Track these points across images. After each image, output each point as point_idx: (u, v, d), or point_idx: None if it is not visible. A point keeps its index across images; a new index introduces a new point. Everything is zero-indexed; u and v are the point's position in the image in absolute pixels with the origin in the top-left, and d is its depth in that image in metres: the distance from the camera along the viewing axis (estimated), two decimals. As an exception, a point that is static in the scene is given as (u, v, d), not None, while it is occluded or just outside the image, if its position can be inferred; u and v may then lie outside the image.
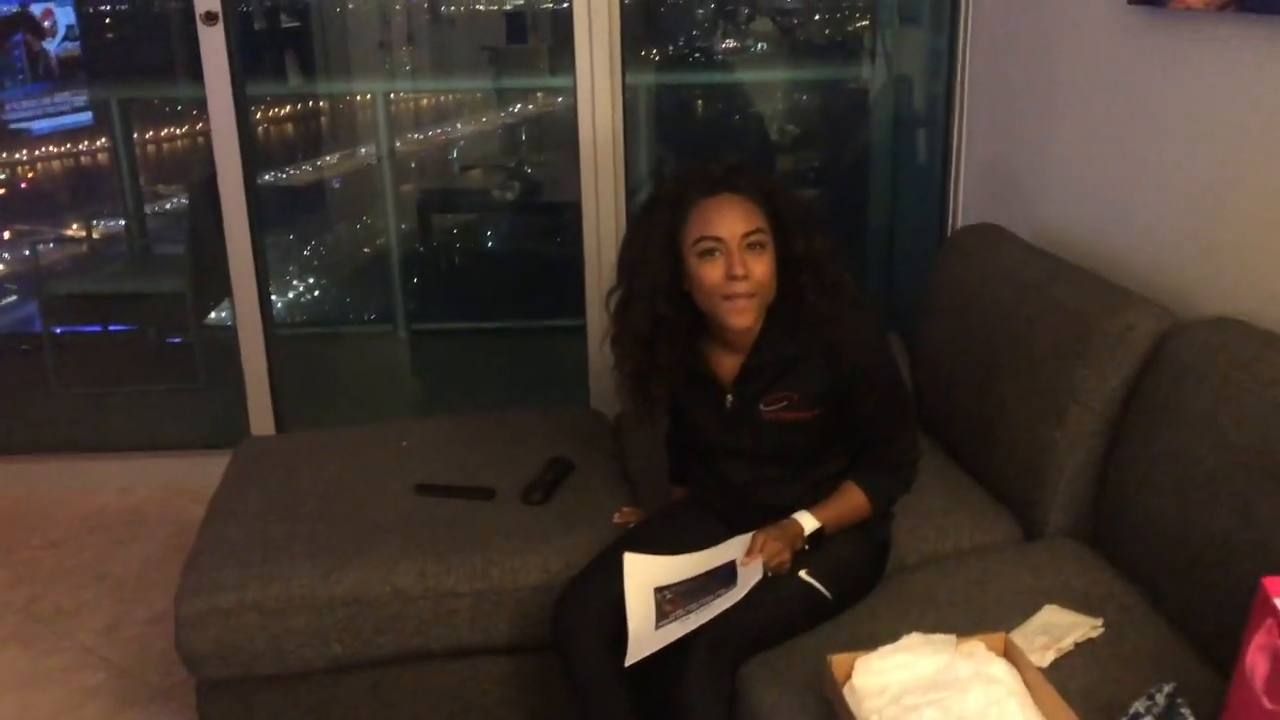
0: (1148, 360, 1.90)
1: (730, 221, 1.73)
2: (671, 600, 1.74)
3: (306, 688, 1.97)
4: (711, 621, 1.69)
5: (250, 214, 3.17)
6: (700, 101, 4.74)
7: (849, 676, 1.52)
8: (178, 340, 4.42)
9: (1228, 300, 1.91)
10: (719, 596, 1.69)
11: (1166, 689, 1.40)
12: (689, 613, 1.69)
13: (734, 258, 1.72)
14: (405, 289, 4.63)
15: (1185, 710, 1.36)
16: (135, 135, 4.75)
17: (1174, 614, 1.72)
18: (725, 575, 1.74)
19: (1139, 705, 1.39)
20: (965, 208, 3.03)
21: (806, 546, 1.80)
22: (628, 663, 1.67)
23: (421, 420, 2.56)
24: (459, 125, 5.44)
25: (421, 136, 5.27)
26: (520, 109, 5.23)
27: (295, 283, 5.14)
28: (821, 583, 1.79)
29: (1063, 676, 1.57)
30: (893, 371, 1.88)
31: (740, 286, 1.72)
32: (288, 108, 5.30)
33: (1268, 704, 1.22)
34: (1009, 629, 1.67)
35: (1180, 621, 1.70)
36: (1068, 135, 2.46)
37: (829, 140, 4.35)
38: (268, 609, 1.88)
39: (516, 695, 2.02)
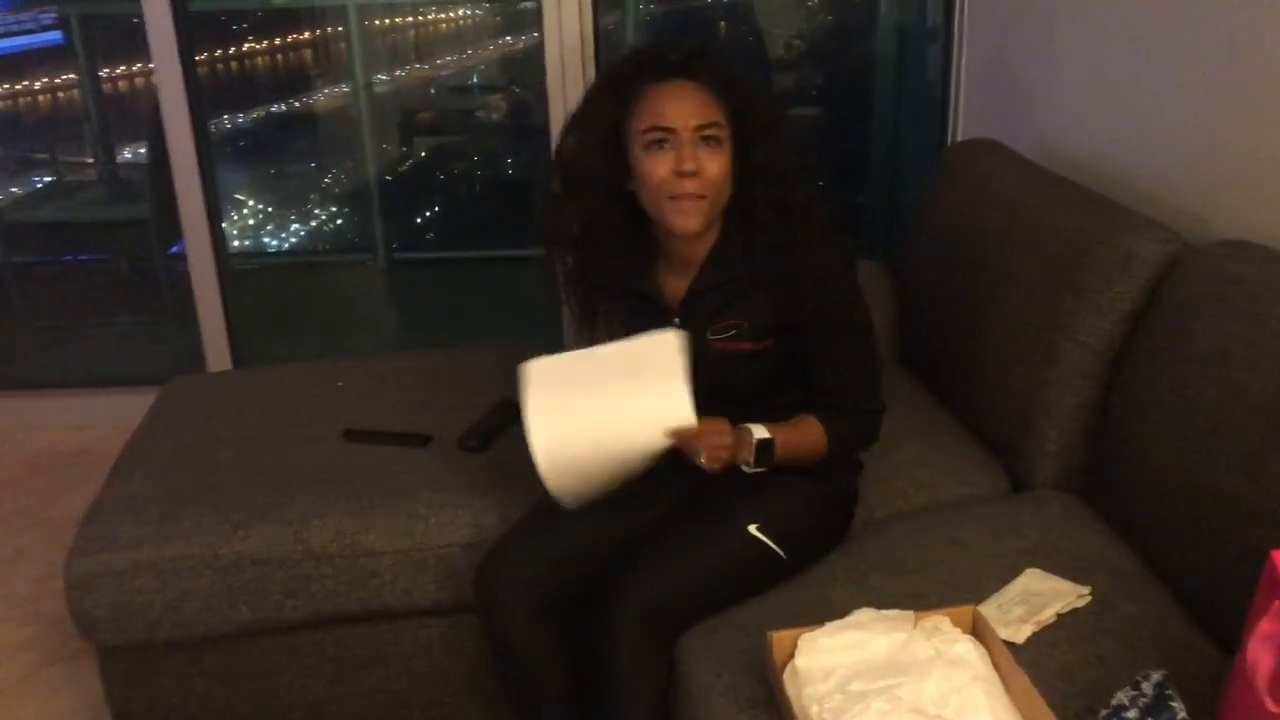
0: (1152, 291, 1.67)
1: (683, 111, 1.51)
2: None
3: (215, 654, 1.80)
4: (644, 582, 1.50)
5: (199, 145, 3.02)
6: (699, 16, 4.45)
7: (792, 656, 1.32)
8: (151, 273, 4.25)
9: (1247, 223, 1.67)
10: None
11: (1155, 676, 1.19)
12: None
13: (684, 150, 1.51)
14: (386, 217, 4.42)
15: (1176, 703, 1.16)
16: (104, 70, 4.53)
17: (1173, 581, 1.51)
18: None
19: (1123, 695, 1.20)
20: (965, 122, 2.78)
21: (751, 461, 1.55)
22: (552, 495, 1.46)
23: (365, 358, 2.36)
24: (449, 59, 5.19)
25: (405, 72, 5.03)
26: (506, 41, 4.96)
27: (278, 214, 4.93)
28: (774, 539, 1.59)
29: (1040, 654, 1.37)
30: (856, 311, 1.64)
31: (689, 184, 1.51)
32: (275, 39, 5.06)
33: (1272, 707, 1.02)
34: (984, 598, 1.48)
35: (1180, 590, 1.49)
36: (1072, 38, 2.20)
37: (835, 54, 4.09)
38: (165, 569, 1.71)
39: (447, 660, 1.85)
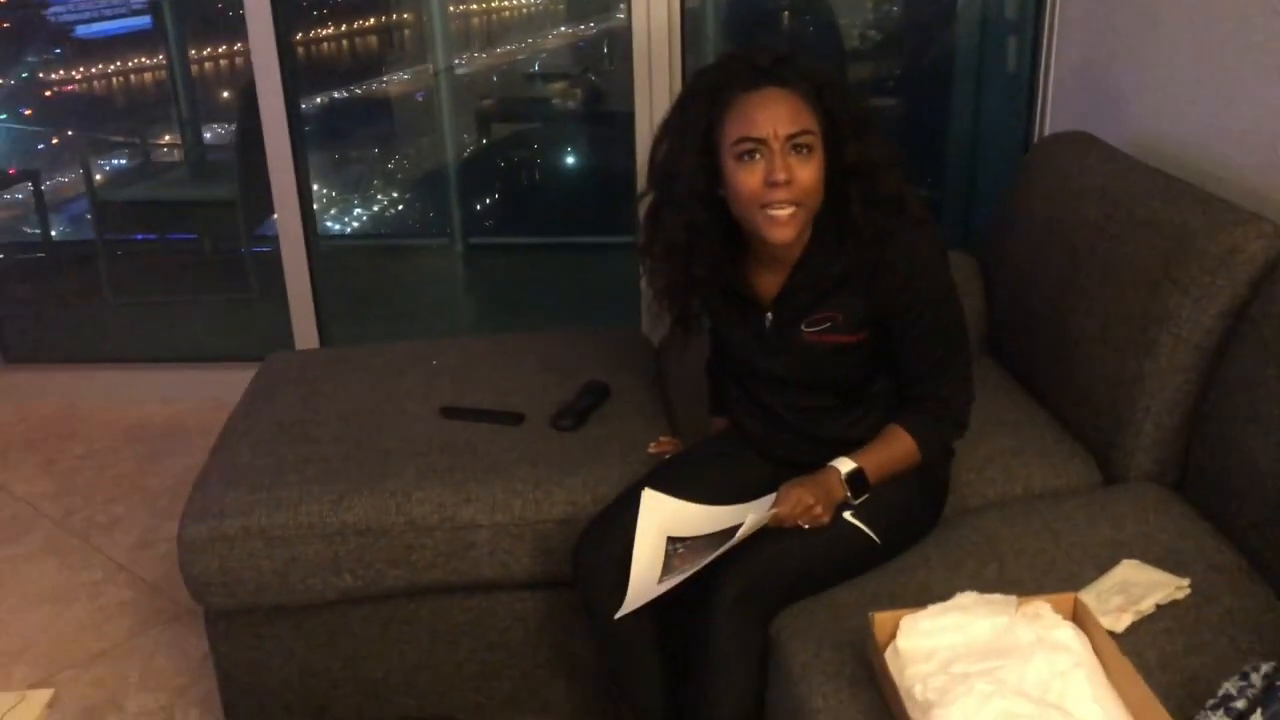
0: (1256, 286, 1.66)
1: (774, 120, 1.51)
2: (681, 555, 1.58)
3: (316, 620, 1.86)
4: (743, 566, 1.53)
5: (291, 125, 3.08)
6: (773, 4, 4.45)
7: (893, 637, 1.34)
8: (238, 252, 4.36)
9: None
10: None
11: (1265, 668, 1.20)
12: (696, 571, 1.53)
13: (776, 161, 1.50)
14: (462, 203, 4.48)
15: (1285, 694, 1.16)
16: (192, 50, 4.63)
17: (1273, 576, 1.51)
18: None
19: (1230, 685, 1.20)
20: (1054, 115, 2.76)
21: (849, 495, 1.61)
22: (619, 614, 1.52)
23: (456, 339, 2.41)
24: (524, 43, 5.23)
25: (485, 55, 5.08)
26: (586, 26, 4.99)
27: (356, 196, 5.02)
28: (868, 524, 1.61)
29: (1140, 643, 1.38)
30: (949, 300, 1.65)
31: (780, 194, 1.51)
32: (357, 22, 5.14)
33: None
34: (1080, 587, 1.49)
35: (1280, 585, 1.49)
36: (1170, 32, 2.17)
37: (912, 45, 4.06)
38: (274, 536, 1.77)
39: (539, 632, 1.89)
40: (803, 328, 1.64)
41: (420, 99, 4.91)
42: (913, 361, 1.65)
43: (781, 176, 1.50)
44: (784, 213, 1.52)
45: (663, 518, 1.64)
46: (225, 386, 3.26)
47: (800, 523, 1.57)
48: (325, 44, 5.07)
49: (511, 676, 1.92)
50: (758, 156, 1.51)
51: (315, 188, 4.53)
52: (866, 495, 1.62)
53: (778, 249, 1.60)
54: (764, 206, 1.52)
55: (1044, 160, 2.31)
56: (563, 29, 5.21)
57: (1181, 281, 1.73)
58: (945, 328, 1.65)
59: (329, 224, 4.76)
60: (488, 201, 4.70)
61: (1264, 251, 1.67)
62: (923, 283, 1.60)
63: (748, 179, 1.52)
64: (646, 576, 1.55)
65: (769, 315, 1.67)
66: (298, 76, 3.34)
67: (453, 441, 1.94)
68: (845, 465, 1.62)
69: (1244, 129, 1.96)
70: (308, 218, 3.18)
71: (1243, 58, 1.95)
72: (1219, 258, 1.69)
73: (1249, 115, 1.94)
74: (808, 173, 1.52)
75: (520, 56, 5.25)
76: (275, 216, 3.17)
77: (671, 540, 1.61)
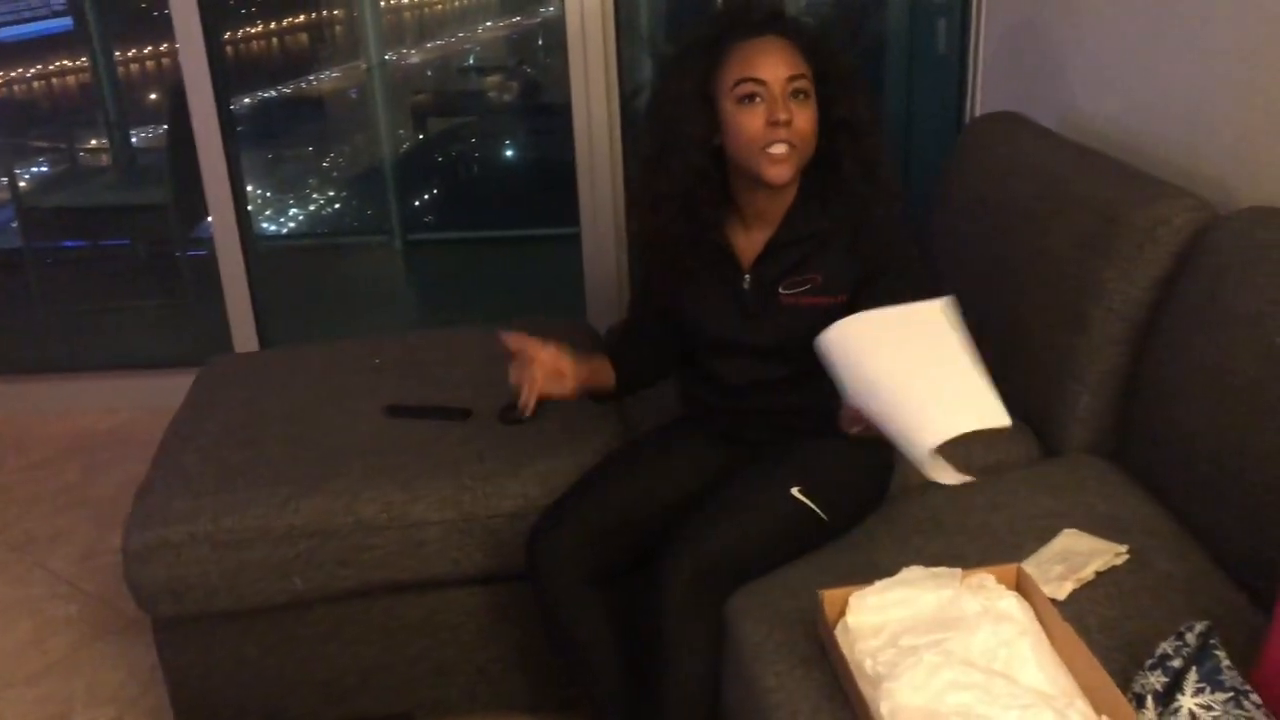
0: (1182, 258, 1.70)
1: (774, 64, 1.56)
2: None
3: (268, 624, 1.84)
4: (693, 551, 1.55)
5: (223, 126, 3.04)
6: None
7: (843, 614, 1.37)
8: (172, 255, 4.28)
9: (1270, 190, 1.71)
10: None
11: (1199, 627, 1.24)
12: None
13: (777, 103, 1.55)
14: (400, 199, 4.45)
15: (1219, 652, 1.20)
16: (117, 52, 4.54)
17: (1209, 541, 1.55)
18: None
19: (1167, 645, 1.24)
20: (985, 96, 2.80)
21: None
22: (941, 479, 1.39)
23: (399, 336, 2.39)
24: (456, 36, 5.19)
25: (416, 51, 5.04)
26: (521, 19, 4.97)
27: (293, 196, 4.96)
28: (815, 502, 1.63)
29: (1081, 610, 1.42)
30: (920, 268, 1.70)
31: (782, 134, 1.55)
32: (288, 20, 5.07)
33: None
34: (1023, 558, 1.52)
35: (1214, 548, 1.54)
36: (1093, 9, 2.22)
37: (847, 27, 4.08)
38: (221, 541, 1.75)
39: (494, 627, 1.89)
40: (780, 290, 1.66)
41: (355, 95, 4.86)
42: None
43: (783, 116, 1.54)
44: (782, 150, 1.56)
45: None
46: (166, 393, 3.20)
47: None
48: (256, 42, 5.00)
49: (468, 671, 1.92)
50: (759, 100, 1.56)
51: (251, 188, 4.48)
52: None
53: (765, 202, 1.64)
54: (764, 148, 1.56)
55: (974, 142, 2.35)
56: (495, 22, 5.18)
57: (1110, 256, 1.77)
58: (917, 294, 1.68)
59: (266, 225, 4.70)
60: (426, 197, 4.67)
61: (1189, 224, 1.71)
62: (899, 247, 1.66)
63: (750, 121, 1.56)
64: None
65: (747, 277, 1.68)
66: (228, 76, 3.30)
67: (399, 439, 1.93)
68: None
69: (1168, 104, 2.00)
70: (243, 219, 3.15)
71: (1164, 33, 1.99)
72: (1145, 231, 1.73)
73: (1172, 90, 1.99)
74: (805, 118, 1.57)
75: (454, 50, 5.21)
76: (210, 219, 3.12)
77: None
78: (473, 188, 4.76)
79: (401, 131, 4.67)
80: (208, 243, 3.22)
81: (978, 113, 2.80)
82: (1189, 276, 1.67)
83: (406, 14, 5.12)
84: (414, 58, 5.05)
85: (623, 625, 1.66)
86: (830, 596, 1.38)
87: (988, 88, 2.78)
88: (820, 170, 1.63)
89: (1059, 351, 1.85)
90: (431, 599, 1.87)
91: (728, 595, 1.57)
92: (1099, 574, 1.48)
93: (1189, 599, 1.43)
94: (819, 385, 1.70)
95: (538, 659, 1.91)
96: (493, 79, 4.97)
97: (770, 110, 1.55)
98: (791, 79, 1.56)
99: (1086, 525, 1.59)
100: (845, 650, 1.32)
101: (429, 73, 5.18)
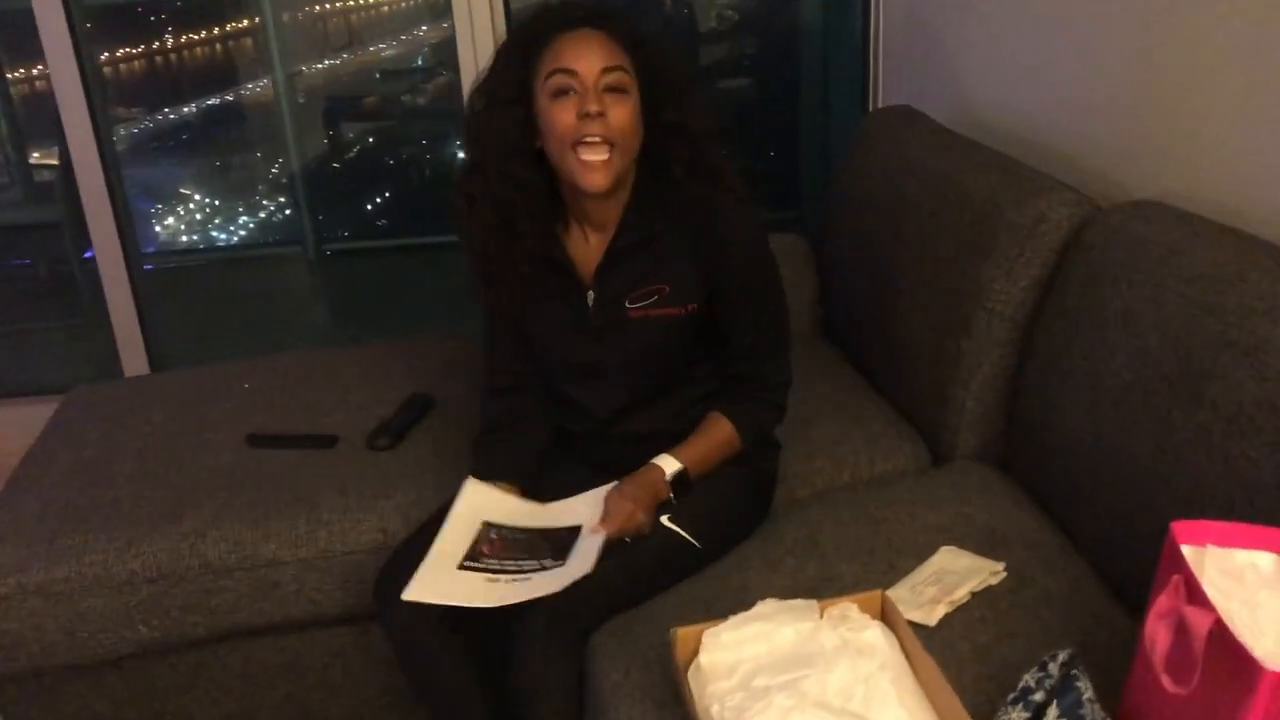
0: (1062, 256, 1.63)
1: (588, 55, 1.46)
2: (492, 543, 1.49)
3: (118, 675, 1.73)
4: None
5: (100, 145, 2.90)
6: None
7: (697, 652, 1.28)
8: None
9: (1160, 184, 1.64)
10: (541, 571, 1.44)
11: (1061, 656, 1.16)
12: (501, 573, 1.44)
13: (589, 95, 1.45)
14: (313, 209, 4.32)
15: (1082, 683, 1.12)
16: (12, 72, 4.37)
17: (1089, 551, 1.48)
18: (560, 545, 1.49)
19: (1029, 677, 1.16)
20: (885, 90, 2.73)
21: (672, 496, 1.55)
22: (405, 596, 1.42)
23: (274, 356, 2.27)
24: (366, 48, 5.07)
25: (325, 65, 4.91)
26: (421, 31, 4.85)
27: (202, 209, 4.81)
28: (688, 529, 1.55)
29: (954, 635, 1.34)
30: (773, 279, 1.61)
31: (594, 128, 1.44)
32: (197, 32, 4.91)
33: (1169, 685, 0.98)
34: (899, 578, 1.45)
35: (1096, 560, 1.46)
36: (987, 3, 2.15)
37: (766, 24, 4.02)
38: (54, 592, 1.63)
39: (362, 669, 1.79)
40: (627, 304, 1.57)
41: (263, 107, 4.72)
42: (732, 338, 1.60)
43: (594, 108, 1.44)
44: (598, 157, 1.46)
45: (482, 502, 1.55)
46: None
47: (625, 536, 1.49)
48: (166, 55, 4.85)
49: (338, 716, 1.82)
50: (571, 93, 1.46)
51: (178, 202, 4.34)
52: (688, 493, 1.56)
53: (596, 206, 1.54)
54: (576, 146, 1.46)
55: (869, 137, 2.28)
56: (412, 32, 5.06)
57: (992, 254, 1.70)
58: (770, 304, 1.61)
59: (184, 239, 4.55)
60: (339, 207, 4.54)
61: (1069, 220, 1.64)
62: (750, 254, 1.57)
63: (561, 114, 1.46)
64: (444, 563, 1.45)
65: (590, 293, 1.59)
66: (104, 94, 3.17)
67: (257, 472, 1.82)
68: (670, 465, 1.56)
69: (1052, 98, 1.94)
70: (126, 239, 3.01)
71: (1055, 27, 1.92)
72: (1026, 228, 1.66)
73: (1056, 84, 1.92)
74: (621, 112, 1.47)
75: (369, 62, 5.09)
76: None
77: (487, 525, 1.51)
78: (383, 196, 4.63)
79: (311, 141, 4.53)
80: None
81: (879, 105, 2.73)
82: (1068, 274, 1.60)
83: (316, 24, 4.97)
84: (331, 67, 4.91)
85: (485, 668, 1.56)
86: (683, 635, 1.28)
87: (889, 81, 2.71)
88: (653, 175, 1.54)
89: (945, 355, 1.77)
90: (294, 641, 1.77)
91: (590, 633, 1.48)
92: (974, 594, 1.40)
93: (1066, 618, 1.35)
94: (685, 402, 1.63)
95: (412, 701, 1.81)
96: (403, 86, 4.85)
97: (581, 101, 1.45)
98: (606, 70, 1.46)
99: (966, 540, 1.51)
100: (696, 693, 1.23)
101: (343, 80, 5.05)
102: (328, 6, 4.90)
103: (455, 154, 4.42)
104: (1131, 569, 1.38)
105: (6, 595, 1.62)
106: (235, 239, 4.77)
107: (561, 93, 1.46)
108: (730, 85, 4.02)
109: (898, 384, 1.94)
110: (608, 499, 1.53)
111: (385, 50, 5.03)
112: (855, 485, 1.77)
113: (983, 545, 1.50)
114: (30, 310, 3.95)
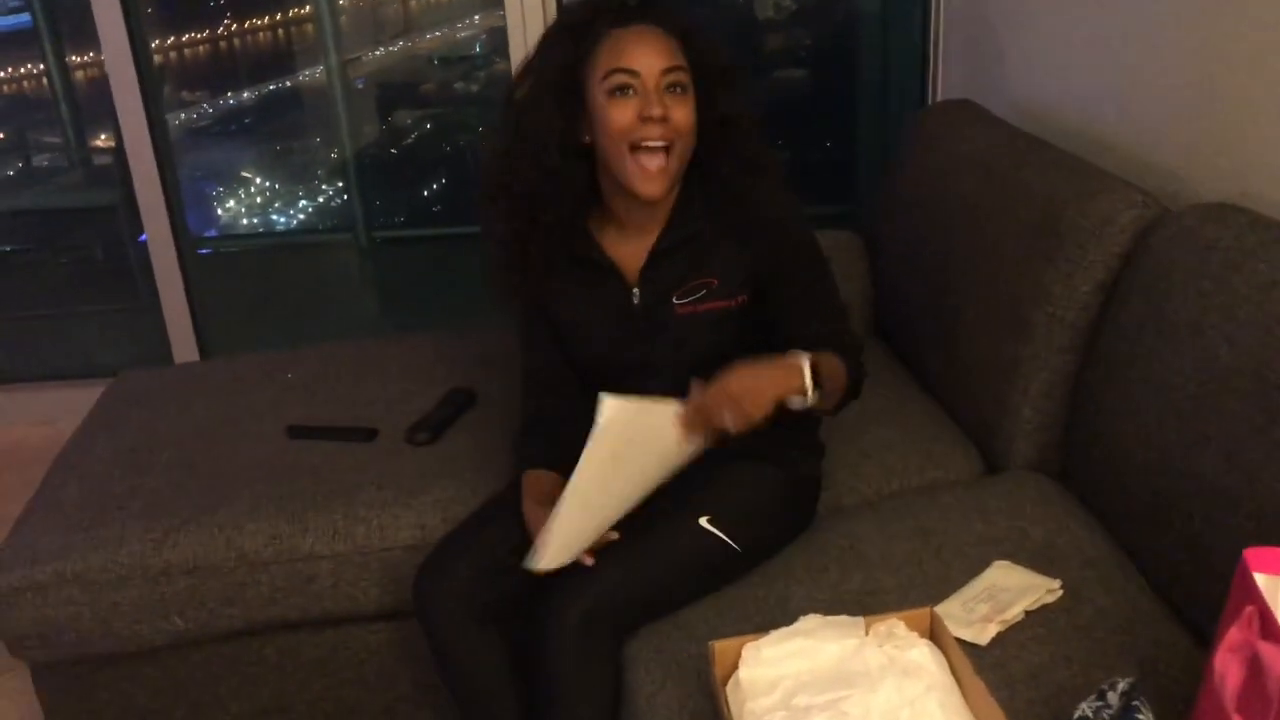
0: (1128, 259, 1.56)
1: (648, 55, 1.42)
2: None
3: (153, 666, 1.72)
4: (587, 583, 1.40)
5: (153, 131, 2.95)
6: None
7: (737, 666, 1.23)
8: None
9: (1229, 185, 1.56)
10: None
11: (1122, 685, 1.10)
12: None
13: (651, 96, 1.41)
14: (365, 196, 4.32)
15: (1144, 715, 1.06)
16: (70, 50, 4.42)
17: (1149, 570, 1.42)
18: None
19: (1086, 707, 1.10)
20: (946, 83, 2.66)
21: (808, 387, 1.35)
22: (540, 565, 1.33)
23: (318, 346, 2.25)
24: (423, 35, 5.05)
25: (382, 51, 4.90)
26: (474, 20, 4.82)
27: (262, 192, 4.83)
28: (727, 532, 1.49)
29: (1006, 656, 1.28)
30: (818, 252, 1.54)
31: (655, 130, 1.41)
32: (256, 19, 4.94)
33: (1240, 724, 0.92)
34: (948, 593, 1.39)
35: (1156, 579, 1.40)
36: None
37: (824, 14, 3.94)
38: (91, 581, 1.63)
39: (398, 665, 1.77)
40: (675, 300, 1.52)
41: (321, 93, 4.73)
42: (799, 320, 1.51)
43: (657, 111, 1.40)
44: (655, 164, 1.42)
45: (620, 435, 1.31)
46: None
47: (720, 419, 1.32)
48: (219, 42, 4.87)
49: (372, 712, 1.80)
50: (631, 92, 1.42)
51: (220, 188, 4.36)
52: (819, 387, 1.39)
53: (644, 208, 1.50)
54: (635, 148, 1.42)
55: (926, 132, 2.21)
56: (469, 19, 5.04)
57: (1053, 256, 1.63)
58: (822, 280, 1.55)
59: (243, 221, 4.58)
60: (392, 195, 4.53)
61: (1135, 222, 1.57)
62: (793, 234, 1.52)
63: (620, 114, 1.42)
64: (585, 517, 1.34)
65: (636, 291, 1.54)
66: (158, 80, 3.19)
67: (296, 464, 1.81)
68: (805, 358, 1.37)
69: (1117, 94, 1.86)
70: (177, 224, 3.03)
71: (1114, 24, 1.85)
72: (1091, 230, 1.59)
73: (1122, 81, 1.85)
74: (682, 112, 1.43)
75: (425, 49, 5.08)
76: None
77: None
78: (437, 184, 4.62)
79: (367, 128, 4.53)
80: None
81: (938, 98, 2.65)
82: (1133, 279, 1.52)
83: (372, 12, 4.97)
84: (387, 55, 4.91)
85: (520, 666, 1.53)
86: (722, 648, 1.24)
87: (949, 75, 2.63)
88: (700, 171, 1.49)
89: (1003, 360, 1.71)
90: (330, 637, 1.75)
91: (625, 637, 1.44)
92: (1028, 613, 1.34)
93: (1125, 642, 1.29)
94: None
95: (447, 698, 1.78)
96: (457, 74, 4.82)
97: (644, 104, 1.41)
98: (667, 71, 1.42)
99: (1021, 554, 1.45)
100: (734, 709, 1.19)
101: (401, 68, 5.04)
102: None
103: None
104: (1197, 593, 1.32)
105: (45, 583, 1.62)
106: (294, 223, 4.78)
107: (620, 91, 1.42)
108: (786, 76, 3.95)
109: (951, 388, 1.88)
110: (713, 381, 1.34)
111: (439, 37, 5.01)
112: (904, 493, 1.71)
113: (1038, 561, 1.44)
114: (87, 293, 3.99)
